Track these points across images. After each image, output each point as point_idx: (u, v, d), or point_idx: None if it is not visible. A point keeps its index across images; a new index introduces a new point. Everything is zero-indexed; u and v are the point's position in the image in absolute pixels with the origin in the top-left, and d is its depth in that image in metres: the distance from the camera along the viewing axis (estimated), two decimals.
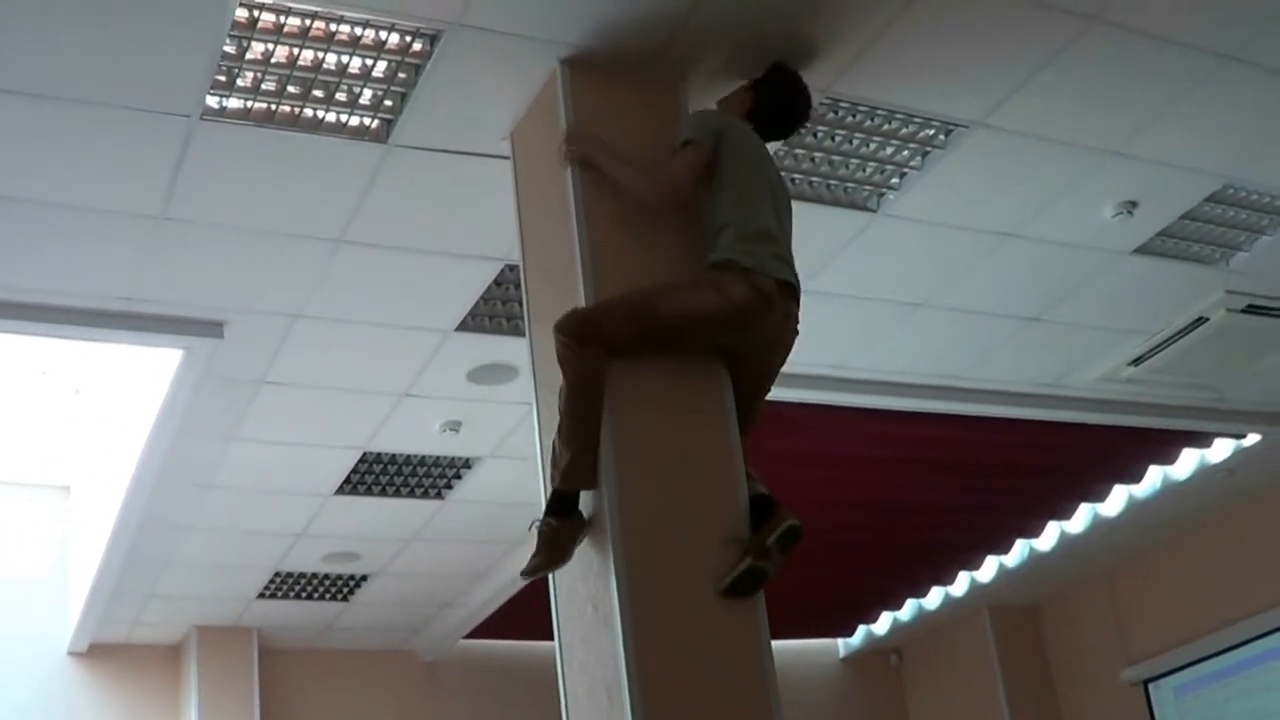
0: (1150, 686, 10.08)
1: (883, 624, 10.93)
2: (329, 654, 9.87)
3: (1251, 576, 9.29)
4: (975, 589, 10.20)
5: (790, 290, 4.12)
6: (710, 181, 4.19)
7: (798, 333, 4.21)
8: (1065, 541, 9.46)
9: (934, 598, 10.43)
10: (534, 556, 3.95)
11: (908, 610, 10.68)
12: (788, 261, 4.19)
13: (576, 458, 3.87)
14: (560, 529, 3.90)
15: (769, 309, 4.04)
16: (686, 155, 4.18)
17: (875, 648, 11.27)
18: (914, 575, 10.10)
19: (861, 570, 9.59)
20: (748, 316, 4.01)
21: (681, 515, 3.89)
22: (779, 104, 4.47)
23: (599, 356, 3.89)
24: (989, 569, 9.98)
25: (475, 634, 9.76)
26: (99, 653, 9.25)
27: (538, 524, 3.94)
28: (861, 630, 11.13)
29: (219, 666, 9.28)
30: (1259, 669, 9.39)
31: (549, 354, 4.26)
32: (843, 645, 11.38)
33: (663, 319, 3.98)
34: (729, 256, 4.05)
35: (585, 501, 3.92)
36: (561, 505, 3.92)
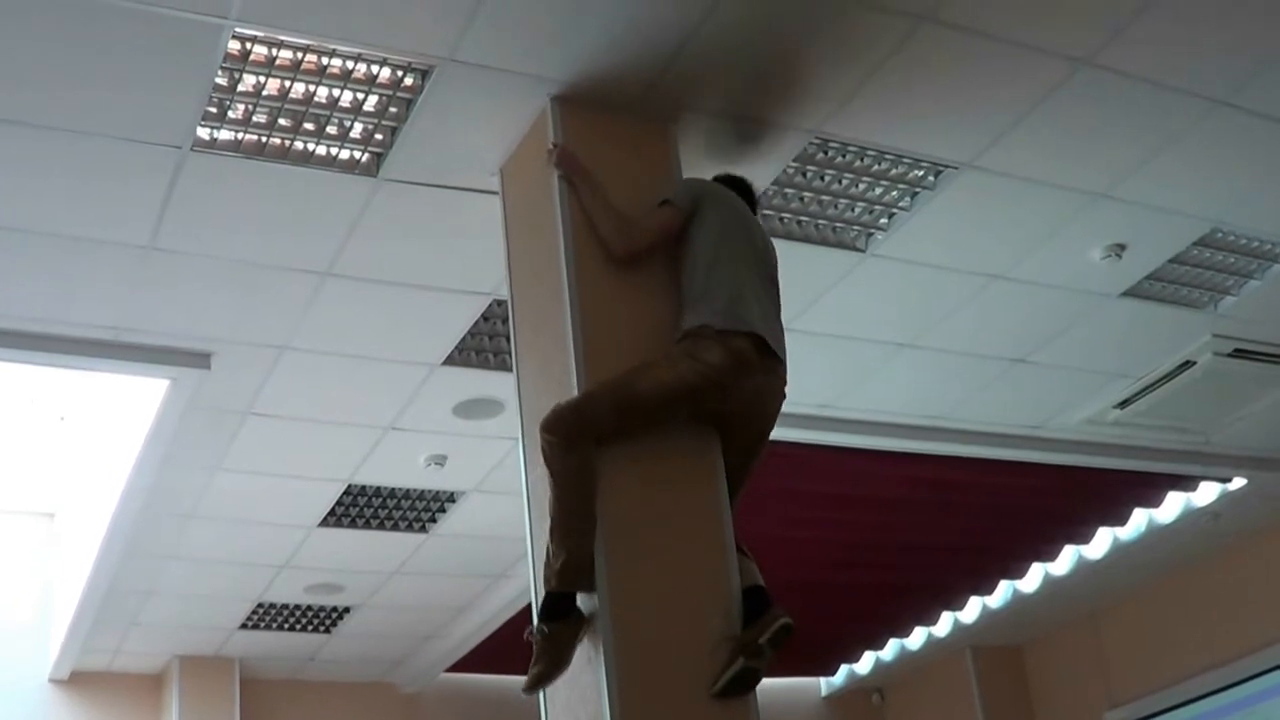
0: None
1: (865, 663, 10.89)
2: (310, 685, 9.83)
3: (1236, 620, 9.28)
4: (958, 629, 10.18)
5: (767, 348, 4.07)
6: (687, 244, 4.20)
7: (785, 392, 4.18)
8: (1049, 583, 9.44)
9: (917, 638, 10.40)
10: (534, 666, 3.80)
11: (890, 650, 10.64)
12: (768, 320, 4.15)
13: (572, 558, 3.76)
14: (558, 633, 3.76)
15: (749, 369, 4.00)
16: (659, 215, 4.22)
17: (858, 687, 11.22)
18: (897, 615, 10.07)
19: (844, 609, 9.56)
20: (728, 380, 3.97)
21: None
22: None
23: (588, 452, 3.82)
24: (972, 609, 9.95)
25: (457, 667, 9.72)
26: (80, 681, 9.20)
27: (533, 631, 3.81)
28: (844, 669, 11.08)
29: (200, 696, 9.23)
30: (1244, 713, 9.34)
31: (535, 389, 4.28)
32: (825, 684, 11.33)
33: (644, 399, 3.92)
34: (702, 322, 4.03)
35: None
36: (557, 608, 3.78)
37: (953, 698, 10.84)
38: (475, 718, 10.05)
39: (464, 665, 9.66)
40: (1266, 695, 9.20)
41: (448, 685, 10.06)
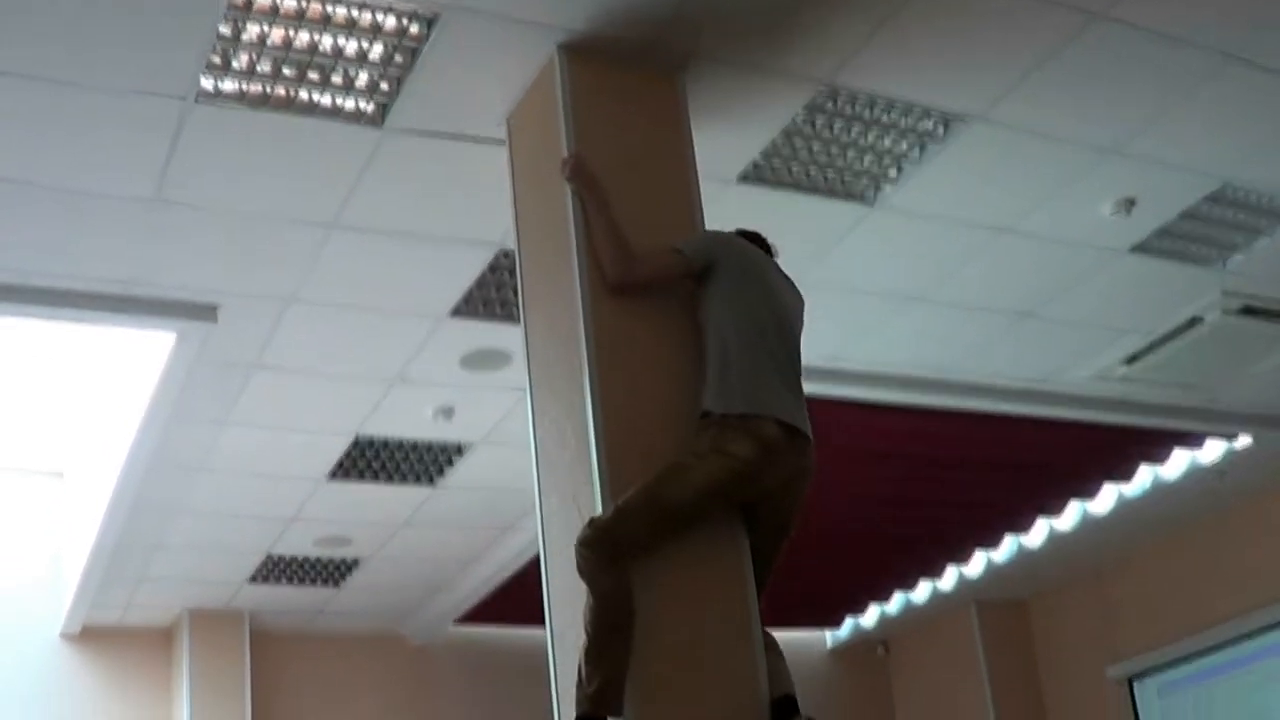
0: (1135, 684, 10.11)
1: (870, 616, 10.93)
2: (320, 638, 9.87)
3: (1239, 578, 9.30)
4: (963, 584, 10.21)
5: (795, 429, 3.98)
6: (706, 307, 4.09)
7: (812, 469, 4.07)
8: (1054, 538, 9.44)
9: (922, 592, 10.43)
10: None
11: (896, 603, 10.67)
12: (793, 398, 4.05)
13: (608, 683, 3.65)
14: None
15: (779, 456, 3.91)
16: (664, 259, 4.12)
17: (863, 640, 11.28)
18: (902, 568, 10.09)
19: (850, 562, 9.57)
20: (758, 471, 3.88)
21: None
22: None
23: (626, 569, 3.73)
24: (977, 564, 9.97)
25: (466, 619, 9.77)
26: (91, 635, 9.25)
27: None
28: (849, 622, 11.13)
29: (210, 650, 9.28)
30: (1244, 670, 9.41)
31: (543, 340, 4.27)
32: (830, 637, 11.38)
33: (678, 507, 3.80)
34: (726, 410, 3.90)
35: None
36: None
37: (957, 651, 10.88)
38: (484, 670, 10.10)
39: (473, 617, 9.69)
40: (1269, 653, 9.24)
41: (457, 637, 10.11)
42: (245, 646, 9.41)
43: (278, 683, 9.64)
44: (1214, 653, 9.56)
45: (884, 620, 10.92)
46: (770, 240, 4.44)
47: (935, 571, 10.14)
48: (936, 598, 10.45)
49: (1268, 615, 9.14)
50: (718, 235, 4.29)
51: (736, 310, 4.05)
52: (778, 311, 4.16)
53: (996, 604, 10.79)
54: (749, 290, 4.11)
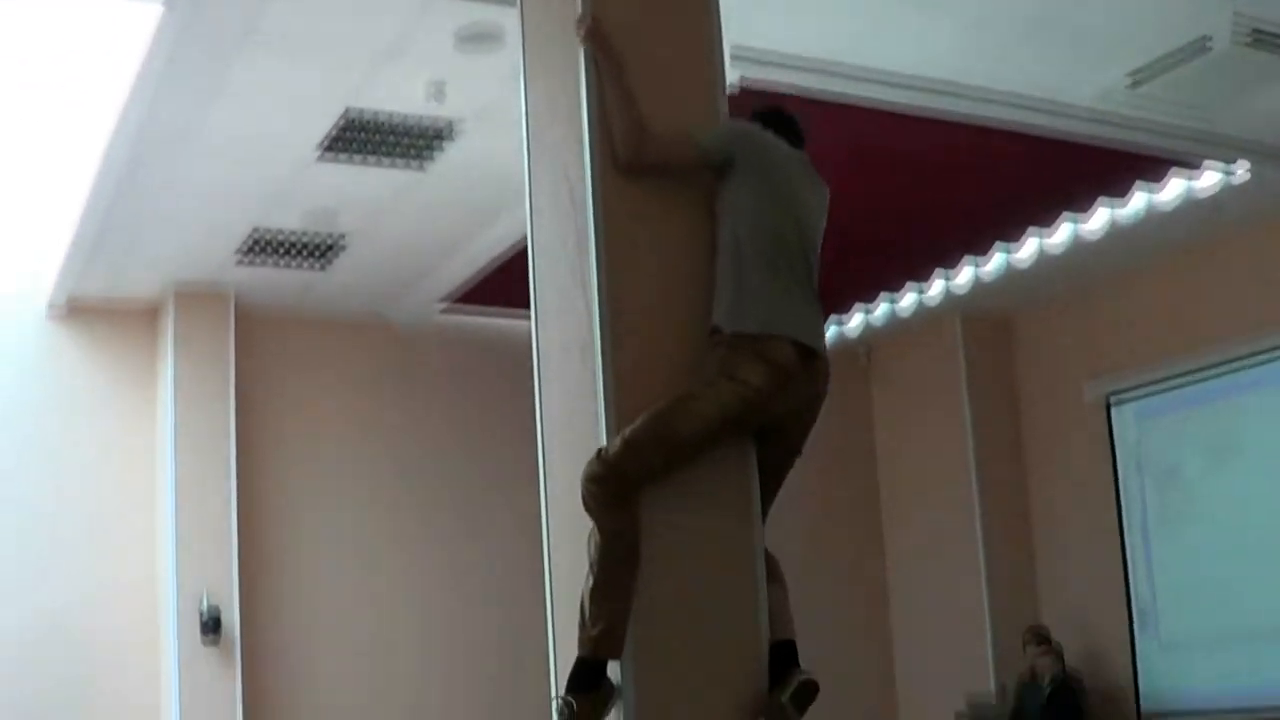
0: (1113, 407, 10.28)
1: (854, 322, 10.99)
2: (306, 321, 9.95)
3: (1225, 309, 9.38)
4: (950, 296, 10.25)
5: (810, 352, 3.82)
6: (723, 206, 3.90)
7: (827, 389, 3.93)
8: (1043, 256, 9.43)
9: (908, 301, 10.46)
10: None
11: (880, 311, 10.72)
12: (809, 314, 3.89)
13: (610, 625, 3.58)
14: (586, 706, 3.59)
15: (792, 381, 3.76)
16: (679, 146, 3.91)
17: (846, 345, 11.37)
18: (890, 271, 10.07)
19: (836, 261, 9.53)
20: (770, 399, 3.74)
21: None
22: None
23: (636, 505, 3.63)
24: (965, 277, 9.98)
25: (452, 306, 9.83)
26: (78, 312, 9.34)
27: (560, 703, 3.63)
28: (833, 327, 11.18)
29: (196, 329, 9.37)
30: (1221, 401, 9.57)
31: (539, 23, 4.16)
32: None
33: (688, 439, 3.68)
34: (738, 328, 3.75)
35: None
36: (587, 678, 3.61)
37: (938, 363, 11.03)
38: (470, 356, 10.23)
39: (460, 304, 9.75)
40: (1247, 385, 9.37)
41: (444, 324, 10.19)
42: (230, 327, 9.48)
43: (262, 364, 9.75)
44: (1193, 382, 9.70)
45: (868, 327, 10.99)
46: (801, 125, 4.21)
47: (922, 277, 10.14)
48: (922, 308, 10.52)
49: (1250, 347, 9.26)
50: (740, 129, 4.04)
51: (754, 215, 3.85)
52: (799, 216, 3.96)
53: (981, 318, 10.88)
54: (769, 193, 3.89)
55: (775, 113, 4.21)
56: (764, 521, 3.95)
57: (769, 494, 3.99)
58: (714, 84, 4.13)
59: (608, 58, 3.90)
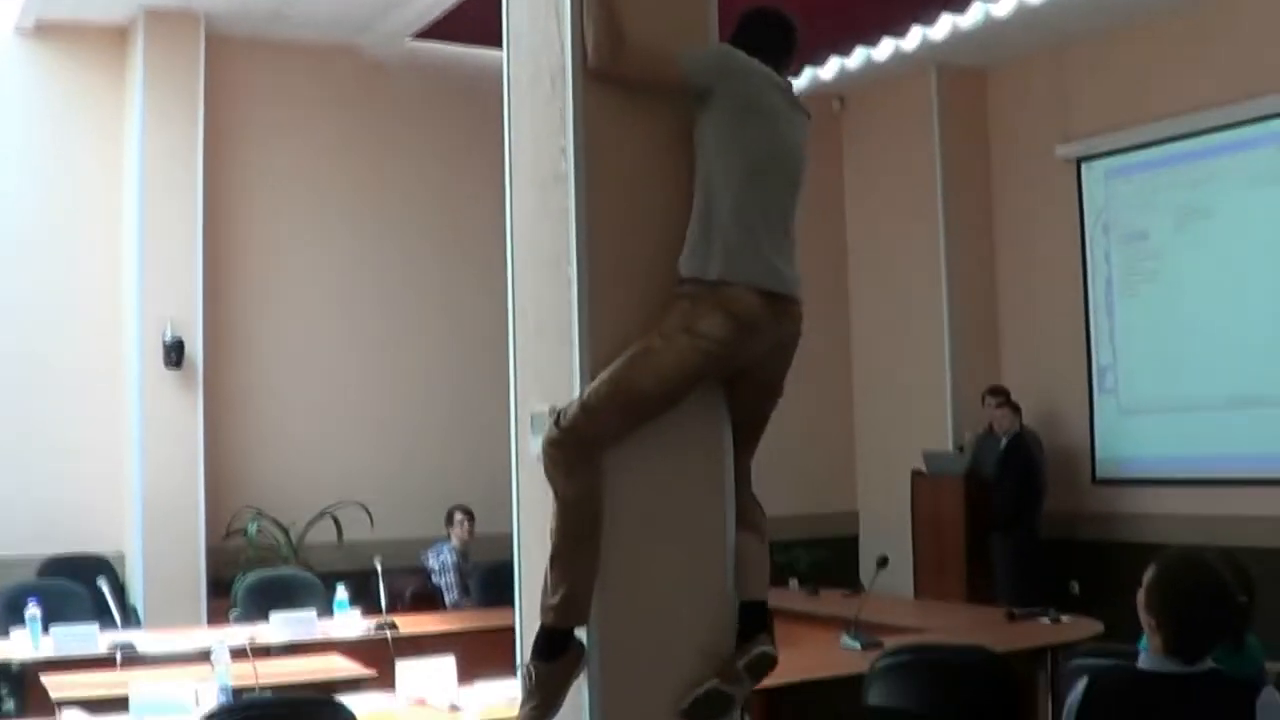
0: (1083, 165, 10.31)
1: (830, 69, 10.91)
2: (276, 45, 9.82)
3: (1203, 73, 9.34)
4: (926, 46, 10.16)
5: (776, 296, 3.71)
6: (700, 138, 3.73)
7: (800, 330, 3.81)
8: (1023, 8, 9.31)
9: (884, 50, 10.37)
10: (524, 706, 3.59)
11: (856, 59, 10.63)
12: (779, 258, 3.75)
13: (574, 593, 3.54)
14: (552, 672, 3.56)
15: (756, 330, 3.66)
16: (657, 66, 3.73)
17: (820, 92, 11.31)
18: (866, 20, 9.97)
19: (815, 11, 9.42)
20: (733, 351, 3.64)
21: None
22: (759, 47, 3.90)
23: (597, 467, 3.56)
24: (943, 27, 9.88)
25: (424, 35, 9.68)
26: (46, 32, 9.20)
27: (526, 669, 3.60)
28: (808, 72, 11.11)
29: (165, 51, 9.22)
30: (1191, 164, 9.58)
31: None
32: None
33: (649, 396, 3.58)
34: (699, 273, 3.65)
35: None
36: (552, 645, 3.57)
37: (912, 114, 11.01)
38: (439, 86, 10.15)
39: (430, 33, 9.60)
40: (1217, 150, 9.39)
41: (414, 53, 10.05)
42: (200, 50, 9.35)
43: (231, 88, 9.66)
44: (1165, 143, 9.71)
45: (843, 74, 10.89)
46: (793, 29, 4.01)
47: (899, 29, 10.05)
48: (897, 57, 10.42)
49: (1224, 114, 9.24)
50: (722, 59, 3.80)
51: (728, 153, 3.71)
52: (777, 151, 3.81)
53: (956, 70, 10.83)
54: (748, 128, 3.73)
55: (764, 22, 4.01)
56: (750, 464, 3.92)
57: (751, 438, 3.93)
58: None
59: None
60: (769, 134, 3.79)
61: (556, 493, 3.56)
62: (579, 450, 3.54)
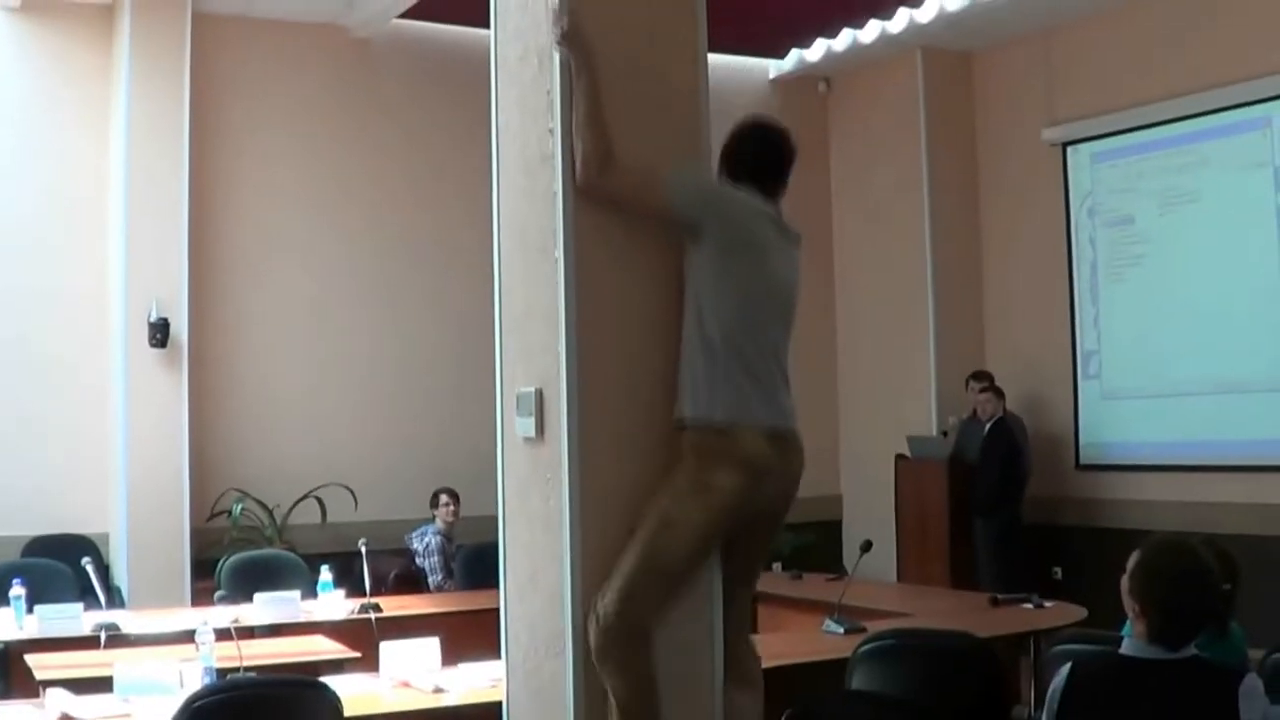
0: (1069, 149, 10.29)
1: (816, 51, 10.91)
2: (261, 23, 9.79)
3: (1190, 57, 9.32)
4: (912, 28, 10.17)
5: (781, 435, 3.76)
6: (691, 271, 3.72)
7: (803, 463, 3.86)
8: None
9: (870, 32, 10.37)
10: None
11: (842, 40, 10.64)
12: (780, 383, 3.79)
13: None
14: None
15: (766, 476, 3.69)
16: (648, 188, 3.71)
17: (806, 73, 11.33)
18: (853, 2, 9.96)
19: None
20: (750, 495, 3.67)
21: None
22: (752, 170, 3.91)
23: (650, 657, 3.60)
24: (929, 9, 9.89)
25: (409, 14, 9.64)
26: (33, 9, 9.16)
27: None
28: (794, 54, 11.12)
29: (152, 27, 9.16)
30: (1177, 150, 9.56)
31: None
32: (773, 67, 11.41)
33: (682, 566, 3.66)
34: (704, 415, 3.66)
35: None
36: None
37: (897, 96, 10.99)
38: (424, 65, 10.12)
39: (415, 12, 9.56)
40: (1205, 135, 9.39)
41: (400, 32, 10.05)
42: (186, 27, 9.28)
43: (217, 67, 9.62)
44: (1151, 128, 9.68)
45: (829, 56, 10.92)
46: (786, 145, 3.98)
47: (885, 11, 10.04)
48: (883, 39, 10.43)
49: (1212, 99, 9.22)
50: (713, 193, 3.81)
51: (723, 290, 3.69)
52: (770, 287, 3.80)
53: (942, 53, 10.80)
54: (740, 265, 3.72)
55: (757, 138, 3.98)
56: (750, 602, 3.99)
57: (752, 573, 4.00)
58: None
59: (582, 66, 3.68)
60: (761, 270, 3.78)
61: (615, 696, 3.58)
62: (630, 640, 3.57)
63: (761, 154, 3.94)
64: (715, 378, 3.66)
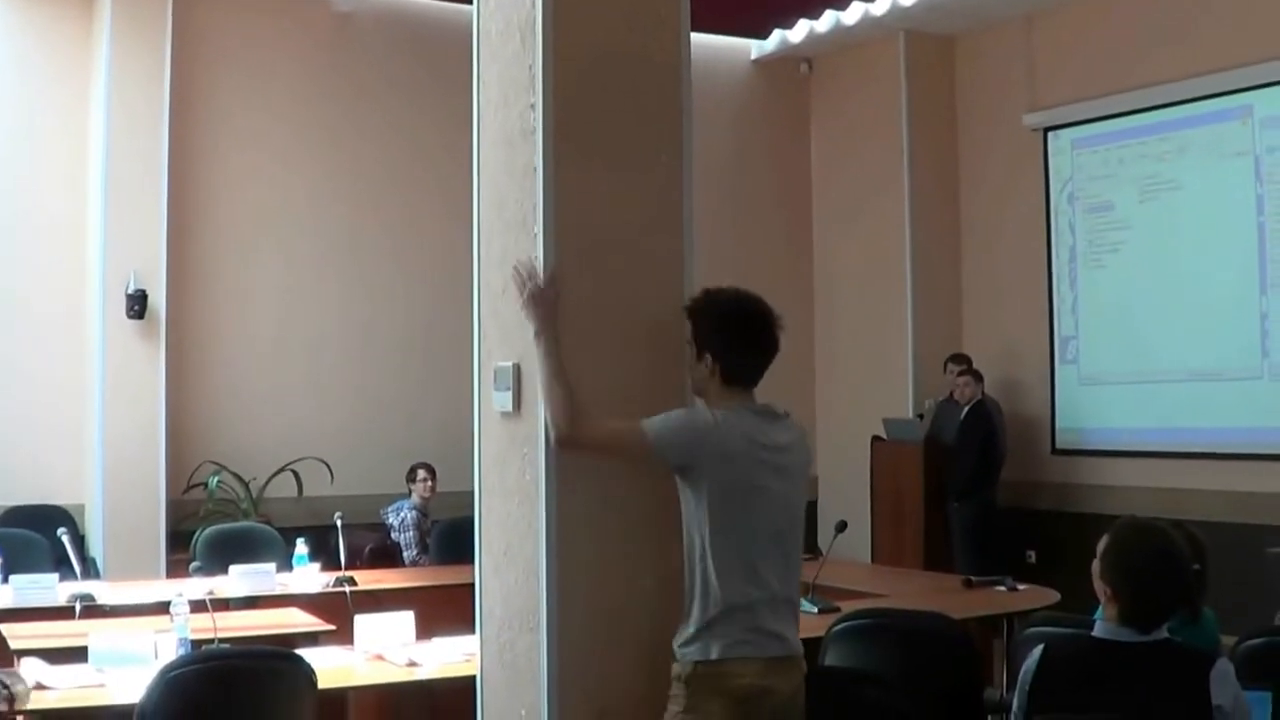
0: (1050, 135, 10.30)
1: (798, 32, 10.90)
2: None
3: (1172, 44, 9.33)
4: (894, 11, 10.16)
5: (779, 660, 3.65)
6: (686, 498, 3.66)
7: (804, 685, 3.73)
8: None
9: (853, 13, 10.36)
10: None
11: (825, 22, 10.63)
12: (783, 604, 3.68)
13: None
14: None
15: (760, 701, 3.60)
16: (624, 439, 3.67)
17: (788, 54, 11.33)
18: None
19: None
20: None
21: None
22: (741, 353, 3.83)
23: None
24: None
25: None
26: None
27: None
28: (776, 34, 11.11)
29: (132, 6, 9.11)
30: (1158, 137, 9.58)
31: None
32: (755, 47, 11.40)
33: None
34: (699, 658, 3.59)
35: None
36: None
37: (879, 79, 10.99)
38: (406, 40, 10.08)
39: None
40: (1186, 123, 9.41)
41: (382, 5, 10.03)
42: (168, 3, 9.25)
43: (198, 39, 9.57)
44: (1132, 115, 9.69)
45: (811, 37, 10.91)
46: (770, 323, 3.87)
47: None
48: (866, 21, 10.42)
49: (1194, 87, 9.23)
50: (696, 433, 3.65)
51: (719, 527, 3.61)
52: (770, 510, 3.68)
53: (925, 36, 10.81)
54: (735, 501, 3.62)
55: (740, 319, 3.84)
56: None
57: None
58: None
59: (542, 326, 3.66)
60: (758, 500, 3.66)
61: None
62: None
63: (743, 331, 3.86)
64: (711, 619, 3.60)
